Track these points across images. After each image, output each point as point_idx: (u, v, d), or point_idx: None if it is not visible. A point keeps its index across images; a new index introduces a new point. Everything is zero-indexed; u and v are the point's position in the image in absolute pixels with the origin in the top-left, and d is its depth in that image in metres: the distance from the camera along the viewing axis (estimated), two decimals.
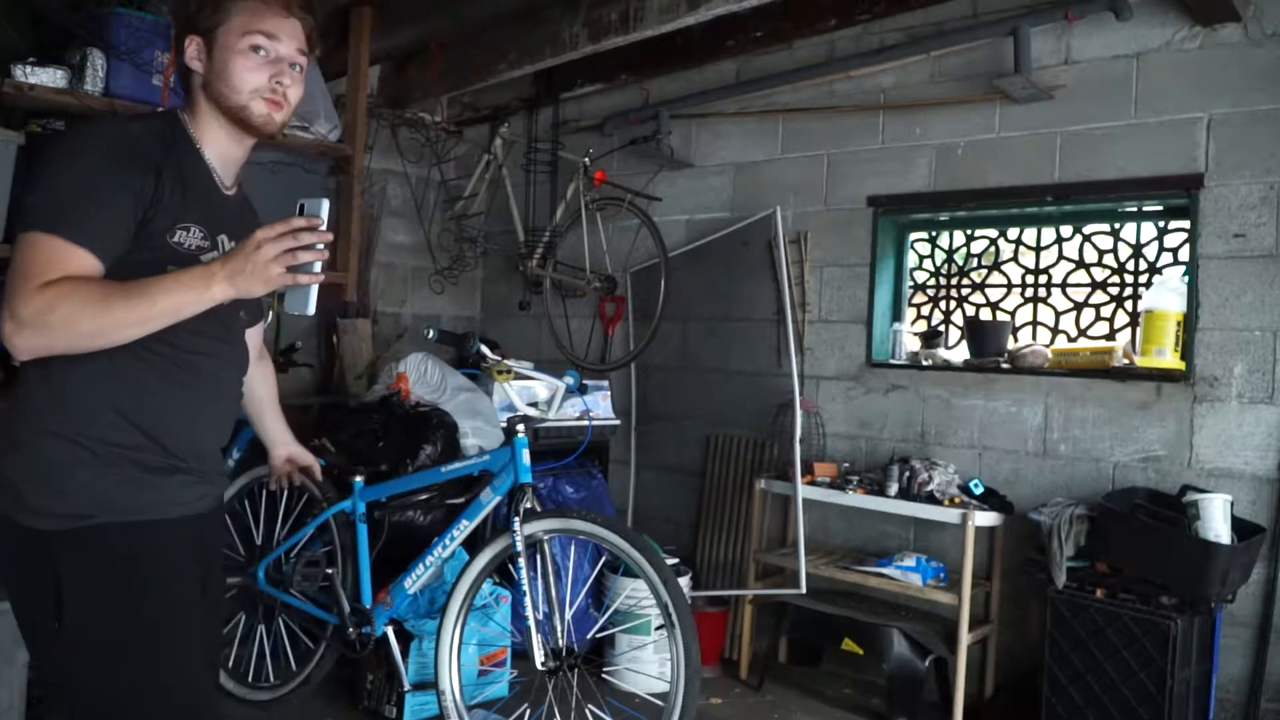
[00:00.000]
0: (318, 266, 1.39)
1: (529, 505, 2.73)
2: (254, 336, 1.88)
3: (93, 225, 1.39)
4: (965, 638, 3.20)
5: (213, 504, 1.66)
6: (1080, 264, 3.63)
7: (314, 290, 1.42)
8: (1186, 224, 3.21)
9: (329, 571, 3.13)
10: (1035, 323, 3.73)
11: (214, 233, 1.55)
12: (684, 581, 3.64)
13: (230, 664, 3.34)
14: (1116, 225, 3.53)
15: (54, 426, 1.45)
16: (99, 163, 1.42)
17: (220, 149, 1.59)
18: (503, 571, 2.95)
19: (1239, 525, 2.84)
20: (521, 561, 2.68)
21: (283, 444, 2.37)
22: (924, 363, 3.71)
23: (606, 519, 2.73)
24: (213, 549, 1.71)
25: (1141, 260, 3.48)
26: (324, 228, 1.39)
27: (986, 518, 3.26)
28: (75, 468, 1.44)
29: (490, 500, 2.86)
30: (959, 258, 3.94)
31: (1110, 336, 3.53)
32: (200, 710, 1.57)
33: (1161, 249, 3.43)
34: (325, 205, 1.41)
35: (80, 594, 1.43)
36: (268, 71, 1.53)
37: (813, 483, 3.62)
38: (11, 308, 1.33)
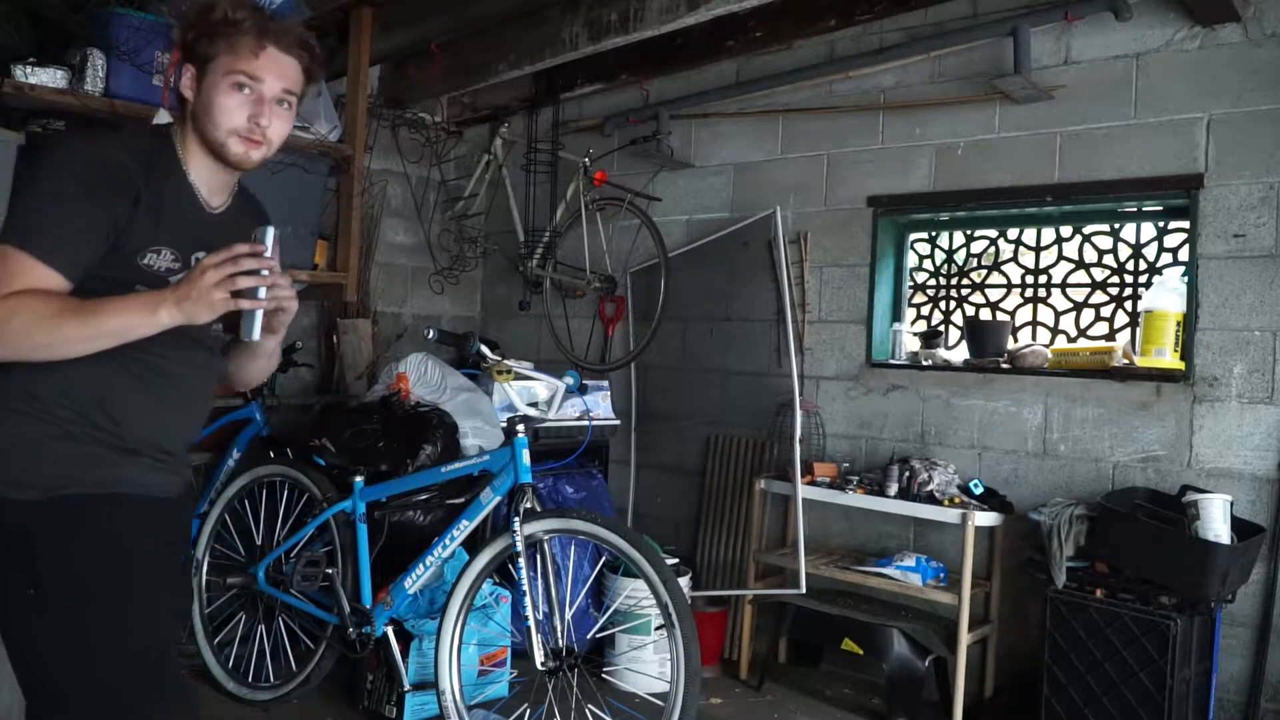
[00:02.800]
0: (262, 293, 1.42)
1: (529, 505, 2.74)
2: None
3: (61, 245, 1.43)
4: (965, 638, 3.20)
5: (177, 491, 1.69)
6: (1080, 264, 3.63)
7: (258, 315, 1.45)
8: (1186, 224, 3.21)
9: (329, 571, 3.13)
10: (1035, 323, 3.73)
11: (188, 253, 1.59)
12: (684, 581, 3.64)
13: (230, 664, 3.34)
14: (1116, 225, 3.53)
15: (23, 407, 1.50)
16: (75, 184, 1.45)
17: (204, 173, 1.62)
18: (503, 571, 2.95)
19: (1239, 525, 2.84)
20: (521, 561, 2.68)
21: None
22: (924, 363, 3.71)
23: (606, 519, 2.73)
24: (177, 533, 1.75)
25: (1141, 260, 3.48)
26: (269, 255, 1.43)
27: (986, 518, 3.26)
28: (44, 442, 1.50)
29: (490, 500, 2.86)
30: (959, 258, 3.94)
31: (1110, 336, 3.53)
32: (165, 671, 1.60)
33: (1161, 249, 3.43)
34: (270, 232, 1.45)
35: (56, 559, 1.49)
36: (248, 111, 1.55)
37: (813, 483, 3.62)
38: None
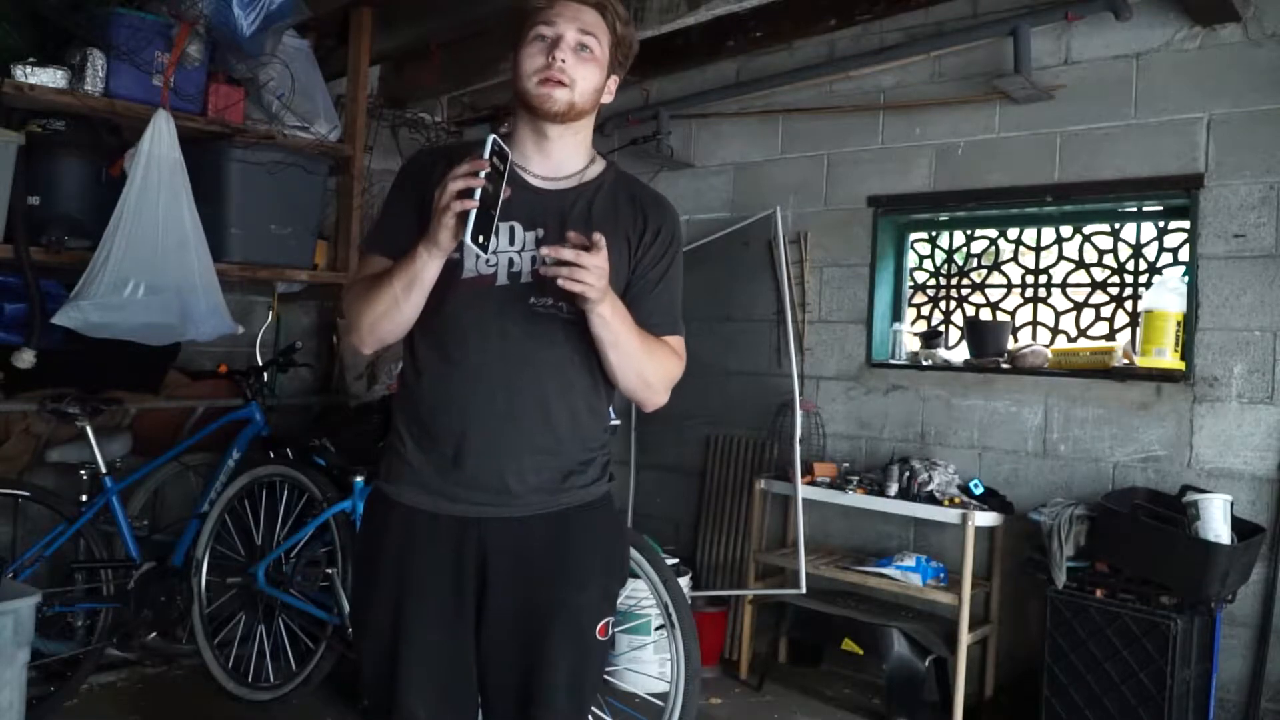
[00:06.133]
0: (476, 195, 1.38)
1: None
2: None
3: (380, 234, 1.67)
4: (965, 638, 3.20)
5: (497, 511, 1.58)
6: (1080, 264, 3.63)
7: (471, 216, 1.38)
8: (1186, 224, 3.21)
9: (329, 571, 3.13)
10: (1035, 323, 3.73)
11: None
12: (684, 581, 3.64)
13: (230, 664, 3.34)
14: (1116, 225, 3.53)
15: (397, 408, 1.71)
16: (392, 189, 1.70)
17: (526, 145, 1.62)
18: None
19: (1239, 525, 2.84)
20: None
21: None
22: (924, 363, 3.71)
23: None
24: (487, 560, 1.59)
25: (1141, 260, 3.48)
26: (484, 157, 1.40)
27: (986, 518, 3.26)
28: (393, 441, 1.66)
29: None
30: (959, 258, 3.94)
31: (1110, 336, 3.53)
32: (394, 672, 1.59)
33: (1161, 249, 3.43)
34: (489, 140, 1.42)
35: (359, 535, 1.83)
36: (544, 53, 1.54)
37: (813, 483, 3.62)
38: None
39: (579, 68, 1.55)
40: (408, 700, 1.58)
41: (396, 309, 1.52)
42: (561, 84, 1.53)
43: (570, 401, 1.61)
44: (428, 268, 1.47)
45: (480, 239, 1.38)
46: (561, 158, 1.62)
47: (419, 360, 1.61)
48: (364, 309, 1.55)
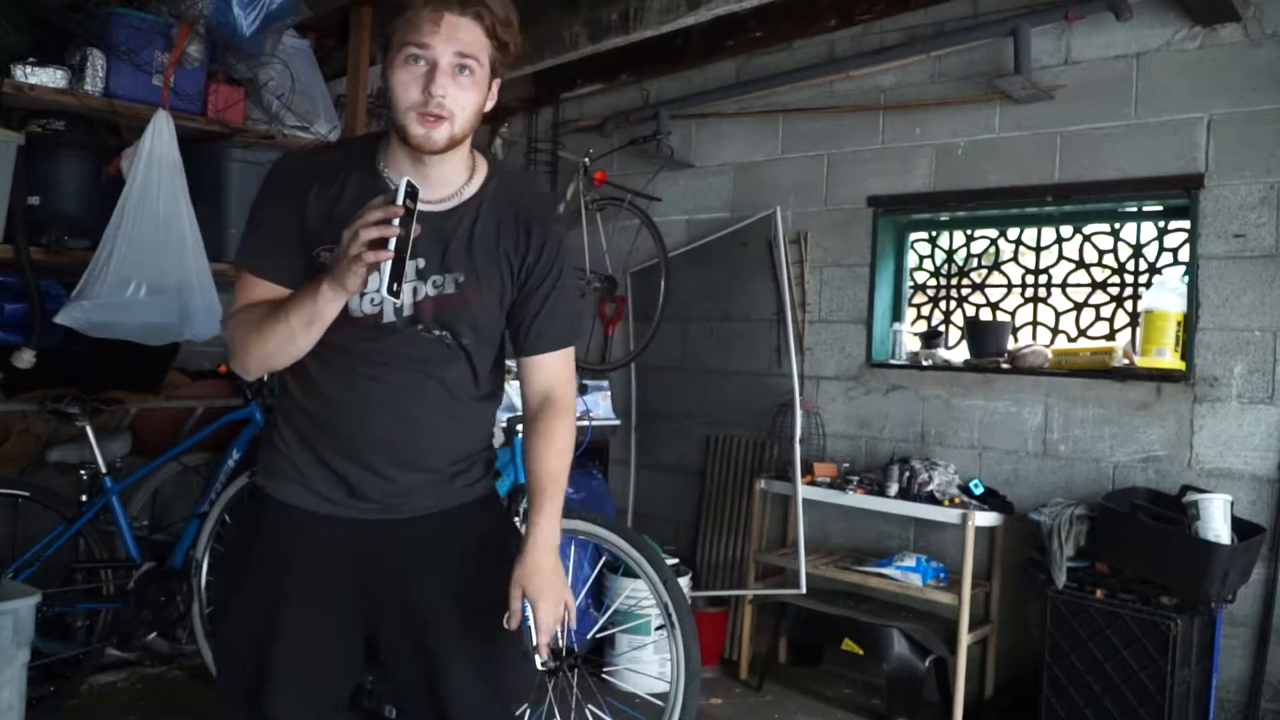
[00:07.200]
0: (391, 244, 1.32)
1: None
2: (534, 372, 1.69)
3: (260, 254, 1.55)
4: (965, 638, 3.20)
5: (383, 515, 1.61)
6: (1080, 264, 3.63)
7: (384, 267, 1.32)
8: (1186, 224, 3.21)
9: None
10: (1035, 323, 3.73)
11: None
12: (684, 581, 3.64)
13: None
14: (1116, 225, 3.53)
15: (278, 410, 1.68)
16: (262, 195, 1.58)
17: (403, 168, 1.53)
18: None
19: (1239, 525, 2.84)
20: None
21: (521, 564, 1.60)
22: (924, 363, 3.71)
23: (606, 519, 2.73)
24: (372, 560, 1.61)
25: (1141, 260, 3.48)
26: (397, 204, 1.32)
27: (986, 518, 3.26)
28: (275, 438, 1.64)
29: None
30: (959, 258, 3.94)
31: (1110, 336, 3.53)
32: (254, 672, 1.58)
33: (1161, 249, 3.43)
34: (402, 183, 1.35)
35: (235, 534, 1.80)
36: (421, 84, 1.42)
37: (813, 483, 3.62)
38: None
39: (459, 96, 1.44)
40: (277, 702, 1.57)
41: (293, 343, 1.46)
42: (441, 118, 1.44)
43: (459, 421, 1.63)
44: (331, 306, 1.40)
45: (394, 287, 1.33)
46: (439, 179, 1.55)
47: (310, 376, 1.57)
48: (255, 342, 1.48)
